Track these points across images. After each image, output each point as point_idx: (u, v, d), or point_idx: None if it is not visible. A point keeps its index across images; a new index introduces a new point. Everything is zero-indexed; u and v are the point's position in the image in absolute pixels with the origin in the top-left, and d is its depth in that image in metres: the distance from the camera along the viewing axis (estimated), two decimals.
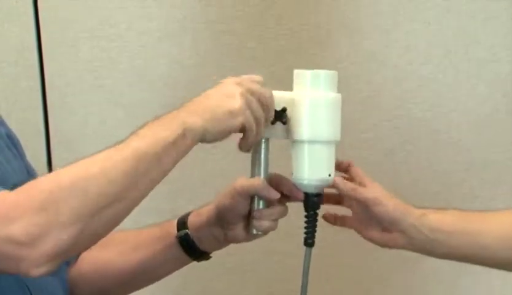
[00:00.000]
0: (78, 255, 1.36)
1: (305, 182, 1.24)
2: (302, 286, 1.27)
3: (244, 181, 1.23)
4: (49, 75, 1.96)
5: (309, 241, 1.26)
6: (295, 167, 1.24)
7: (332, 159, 1.24)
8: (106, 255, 1.36)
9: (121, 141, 1.08)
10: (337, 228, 1.32)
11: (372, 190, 1.24)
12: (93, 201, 1.02)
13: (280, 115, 1.21)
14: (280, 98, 1.22)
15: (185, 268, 1.86)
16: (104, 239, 1.31)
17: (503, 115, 1.89)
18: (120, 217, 1.07)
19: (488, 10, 1.87)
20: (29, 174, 1.29)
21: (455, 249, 1.24)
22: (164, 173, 1.09)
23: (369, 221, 1.25)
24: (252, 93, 1.16)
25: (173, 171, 1.87)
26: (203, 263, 1.91)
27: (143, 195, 1.08)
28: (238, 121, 1.13)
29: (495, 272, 1.94)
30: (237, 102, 1.13)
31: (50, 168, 1.91)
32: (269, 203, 1.25)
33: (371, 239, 1.27)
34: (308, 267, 1.26)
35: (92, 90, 1.97)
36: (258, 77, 1.20)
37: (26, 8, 1.92)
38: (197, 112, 1.11)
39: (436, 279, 2.00)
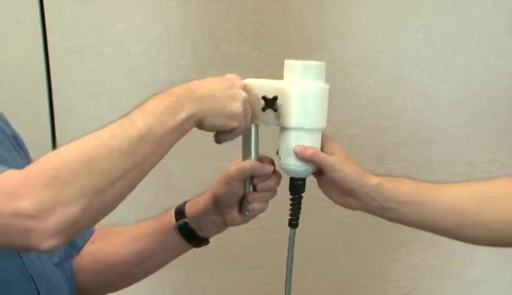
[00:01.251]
0: (80, 248, 1.38)
1: (292, 167, 1.26)
2: (287, 265, 1.29)
3: (238, 165, 1.27)
4: (55, 80, 1.99)
5: (294, 222, 1.29)
6: (283, 153, 1.26)
7: (318, 146, 1.26)
8: (107, 248, 1.38)
9: (128, 115, 1.10)
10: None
11: (332, 157, 1.26)
12: (97, 177, 1.03)
13: (272, 103, 1.24)
14: (271, 86, 1.25)
15: (183, 262, 1.88)
16: (104, 233, 1.37)
17: (490, 119, 1.91)
18: (125, 193, 1.08)
19: (474, 17, 1.88)
20: None
21: (406, 216, 1.27)
22: (165, 153, 1.12)
23: (329, 181, 1.27)
24: (250, 102, 1.20)
25: (172, 169, 1.89)
26: (202, 258, 1.93)
27: (146, 173, 1.10)
28: (233, 124, 1.18)
29: (477, 269, 1.97)
30: (238, 108, 1.17)
31: None
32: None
33: (329, 197, 1.30)
34: (293, 247, 1.28)
35: (96, 94, 2.00)
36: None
37: (33, 17, 1.95)
38: (202, 102, 1.14)
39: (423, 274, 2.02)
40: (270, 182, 1.27)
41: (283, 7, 1.92)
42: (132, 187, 1.08)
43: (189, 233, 1.33)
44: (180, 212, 1.33)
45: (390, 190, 1.26)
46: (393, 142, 1.94)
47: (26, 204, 1.00)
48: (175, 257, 1.38)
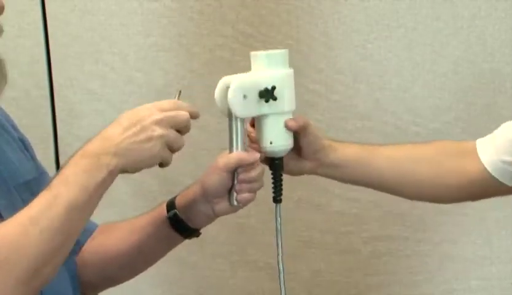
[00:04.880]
0: (81, 246, 1.38)
1: (271, 149, 1.30)
2: (277, 241, 1.31)
3: (225, 158, 1.27)
4: (57, 86, 2.03)
5: (278, 198, 1.32)
6: (261, 137, 1.30)
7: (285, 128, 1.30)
8: (106, 242, 1.38)
9: (49, 185, 1.09)
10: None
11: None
12: (32, 265, 1.05)
13: (271, 93, 1.27)
14: (255, 79, 1.27)
15: (179, 257, 1.88)
16: (104, 229, 1.40)
17: (465, 123, 1.94)
18: (62, 261, 1.11)
19: (450, 27, 1.92)
20: (39, 173, 1.34)
21: (352, 173, 1.37)
22: (92, 212, 1.13)
23: (296, 151, 1.34)
24: (173, 123, 1.17)
25: (171, 169, 1.91)
26: (196, 253, 1.96)
27: (77, 237, 1.12)
28: (156, 161, 1.17)
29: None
30: (156, 147, 1.15)
31: (58, 168, 1.92)
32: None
33: (287, 171, 1.35)
34: (280, 222, 1.32)
35: (96, 98, 2.03)
36: (170, 105, 1.19)
37: (36, 25, 2.00)
38: (118, 152, 1.13)
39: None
40: (254, 173, 1.28)
41: (273, 16, 1.96)
42: (66, 255, 1.11)
43: (179, 224, 1.33)
44: (171, 204, 1.34)
45: (340, 149, 1.37)
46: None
47: None
48: (170, 248, 1.38)
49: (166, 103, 1.19)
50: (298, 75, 1.91)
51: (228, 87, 1.26)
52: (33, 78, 2.02)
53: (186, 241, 1.38)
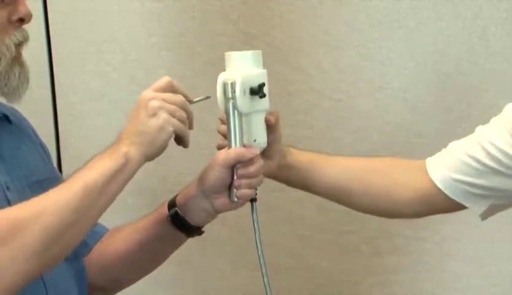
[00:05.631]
0: (90, 249, 1.41)
1: (266, 144, 1.32)
2: (255, 238, 1.32)
3: (225, 154, 1.28)
4: (59, 85, 2.03)
5: (254, 197, 1.32)
6: (245, 135, 1.30)
7: (265, 126, 1.33)
8: (111, 244, 1.40)
9: (73, 175, 1.16)
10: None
11: None
12: (45, 237, 1.09)
13: (261, 90, 1.28)
14: (247, 76, 1.28)
15: (180, 257, 1.87)
16: (112, 232, 1.41)
17: (468, 124, 1.84)
18: (75, 243, 1.15)
19: (452, 28, 1.94)
20: (54, 175, 1.39)
21: (306, 175, 1.40)
22: (111, 199, 1.17)
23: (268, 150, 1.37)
24: (168, 102, 1.21)
25: (172, 170, 1.89)
26: (197, 253, 1.97)
27: (93, 222, 1.17)
28: (169, 132, 1.20)
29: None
30: (161, 118, 1.19)
31: (60, 169, 1.96)
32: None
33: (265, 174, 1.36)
34: (257, 220, 1.32)
35: (97, 98, 2.04)
36: (165, 82, 1.24)
37: (38, 24, 1.97)
38: (133, 140, 1.18)
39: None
40: (253, 168, 1.29)
41: (274, 16, 1.98)
42: (75, 239, 1.16)
43: (180, 222, 1.33)
44: (172, 203, 1.35)
45: (296, 153, 1.41)
46: (375, 145, 1.99)
47: None
48: (174, 248, 1.39)
49: (159, 82, 1.24)
50: (299, 75, 1.98)
51: (226, 83, 1.28)
52: (34, 78, 1.87)
53: (188, 241, 1.38)
